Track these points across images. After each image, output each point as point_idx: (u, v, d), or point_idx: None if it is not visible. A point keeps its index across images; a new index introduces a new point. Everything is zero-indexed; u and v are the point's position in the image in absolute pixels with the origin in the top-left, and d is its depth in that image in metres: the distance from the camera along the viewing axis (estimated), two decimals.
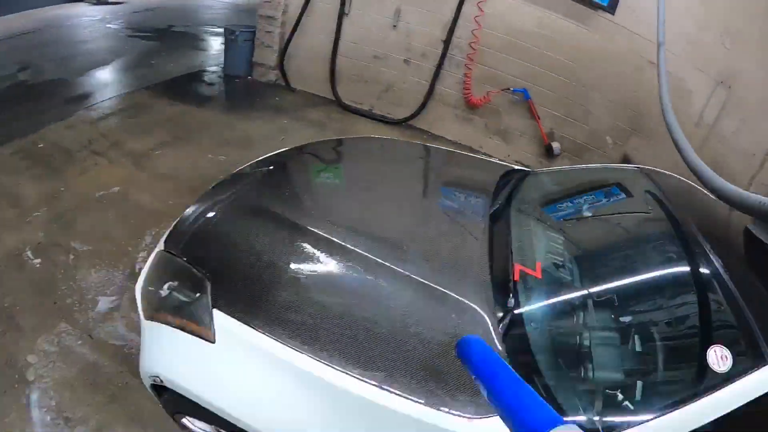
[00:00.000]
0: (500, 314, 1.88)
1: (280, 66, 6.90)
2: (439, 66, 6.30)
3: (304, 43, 6.74)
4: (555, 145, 6.23)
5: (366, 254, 2.07)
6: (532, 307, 1.98)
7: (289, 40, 6.69)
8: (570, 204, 2.70)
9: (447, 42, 6.15)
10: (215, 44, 8.83)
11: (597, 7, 5.61)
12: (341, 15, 6.40)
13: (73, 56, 6.99)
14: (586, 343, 1.80)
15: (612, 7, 5.59)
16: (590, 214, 2.51)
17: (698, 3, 5.37)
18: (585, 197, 2.69)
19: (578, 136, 6.25)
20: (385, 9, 6.29)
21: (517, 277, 2.02)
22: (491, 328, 1.82)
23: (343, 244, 2.11)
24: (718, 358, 1.50)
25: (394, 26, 6.31)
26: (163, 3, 11.20)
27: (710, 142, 5.42)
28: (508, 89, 6.13)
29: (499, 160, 4.85)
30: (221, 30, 7.79)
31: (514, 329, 1.83)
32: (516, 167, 3.49)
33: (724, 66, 5.35)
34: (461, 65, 6.24)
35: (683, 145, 3.25)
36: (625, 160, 6.03)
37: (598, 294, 1.98)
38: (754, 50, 5.08)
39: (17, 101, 5.34)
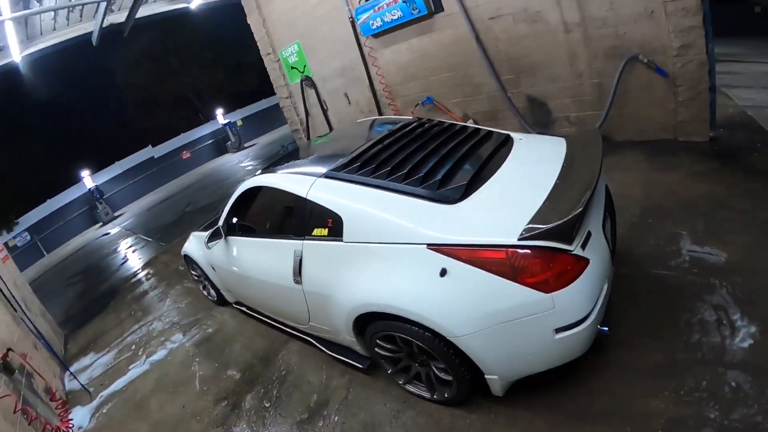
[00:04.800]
0: None
1: None
2: (380, 112, 8.73)
3: (317, 130, 10.31)
4: (468, 122, 7.49)
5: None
6: None
7: (308, 134, 10.45)
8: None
9: (375, 96, 8.52)
10: None
11: (431, 14, 7.21)
12: (325, 111, 9.83)
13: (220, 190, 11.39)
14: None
15: (438, 8, 7.14)
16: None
17: None
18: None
19: (483, 106, 7.44)
20: (340, 96, 9.28)
21: None
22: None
23: None
24: None
25: (349, 103, 9.09)
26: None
27: (599, 32, 5.92)
28: (419, 104, 7.91)
29: None
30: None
31: None
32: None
33: None
34: (388, 105, 8.36)
35: None
36: (530, 97, 6.92)
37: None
38: None
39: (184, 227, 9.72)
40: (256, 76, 21.62)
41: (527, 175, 2.97)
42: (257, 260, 3.90)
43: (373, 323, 2.99)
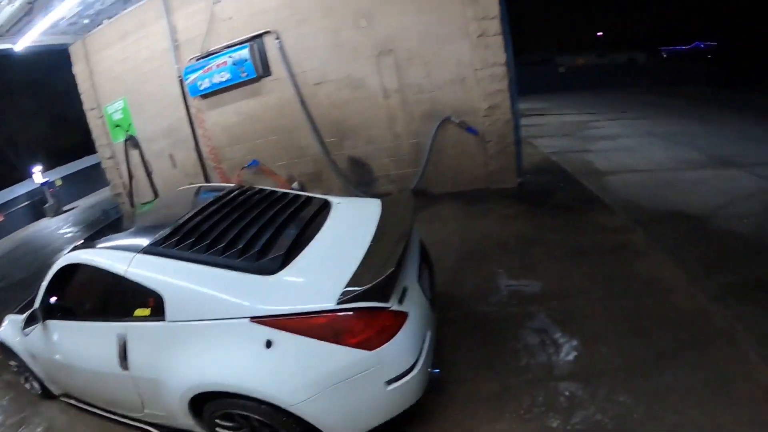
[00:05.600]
0: None
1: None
2: (205, 175, 8.33)
3: (141, 195, 9.50)
4: (294, 185, 7.54)
5: None
6: None
7: (131, 198, 9.59)
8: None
9: (200, 158, 8.20)
10: None
11: (259, 78, 7.19)
12: (149, 174, 9.10)
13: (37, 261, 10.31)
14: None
15: (266, 72, 7.17)
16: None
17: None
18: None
19: (308, 168, 7.50)
20: (165, 158, 8.76)
21: None
22: None
23: None
24: None
25: (174, 166, 8.61)
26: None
27: (416, 97, 6.47)
28: (245, 167, 7.75)
29: None
30: None
31: None
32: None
33: (376, 41, 6.47)
34: (213, 168, 8.12)
35: None
36: (352, 158, 7.13)
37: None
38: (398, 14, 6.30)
39: None
40: (81, 130, 19.68)
41: (344, 239, 3.12)
42: (80, 346, 3.52)
43: (209, 403, 2.84)
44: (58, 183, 20.05)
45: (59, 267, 3.64)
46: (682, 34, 33.58)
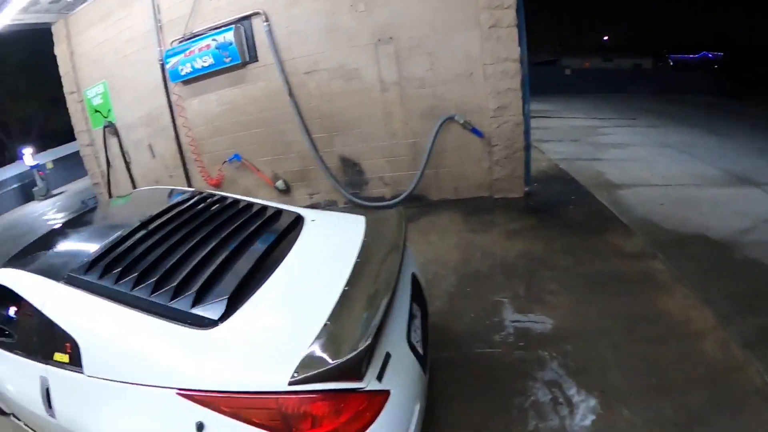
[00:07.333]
0: None
1: None
2: (185, 168, 7.68)
3: (120, 185, 8.91)
4: (278, 183, 6.93)
5: None
6: None
7: (109, 189, 9.05)
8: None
9: (180, 150, 7.56)
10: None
11: (244, 64, 6.56)
12: (128, 163, 8.46)
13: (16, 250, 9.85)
14: None
15: (252, 58, 6.53)
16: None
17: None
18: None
19: (294, 165, 6.86)
20: (144, 148, 8.10)
21: None
22: None
23: None
24: None
25: (153, 157, 7.97)
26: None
27: (417, 91, 5.81)
28: (226, 161, 7.14)
29: None
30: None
31: None
32: None
33: (375, 27, 5.81)
34: (194, 161, 7.49)
35: None
36: (343, 157, 6.51)
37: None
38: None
39: None
40: None
41: (313, 274, 2.45)
42: (12, 379, 2.97)
43: None
44: (50, 166, 19.42)
45: None
46: (690, 44, 33.23)
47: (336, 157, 6.54)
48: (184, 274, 2.32)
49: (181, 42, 6.81)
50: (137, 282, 2.30)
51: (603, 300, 3.58)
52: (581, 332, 3.23)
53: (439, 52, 5.56)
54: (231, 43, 6.33)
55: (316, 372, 1.74)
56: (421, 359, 2.34)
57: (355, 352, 1.74)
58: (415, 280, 2.71)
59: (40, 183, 17.98)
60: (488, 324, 3.50)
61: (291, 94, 6.37)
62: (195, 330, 2.06)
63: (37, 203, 17.09)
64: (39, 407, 2.59)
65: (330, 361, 1.77)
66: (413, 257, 2.97)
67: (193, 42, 6.63)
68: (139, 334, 2.14)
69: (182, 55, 6.76)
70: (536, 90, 5.83)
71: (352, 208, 6.53)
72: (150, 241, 2.67)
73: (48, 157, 20.20)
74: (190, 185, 7.77)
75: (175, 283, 2.25)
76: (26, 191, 18.86)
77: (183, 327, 2.07)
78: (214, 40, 6.43)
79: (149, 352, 2.07)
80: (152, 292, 2.24)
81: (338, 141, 6.43)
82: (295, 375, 1.74)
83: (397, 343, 2.16)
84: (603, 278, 3.87)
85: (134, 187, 8.53)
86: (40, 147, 20.90)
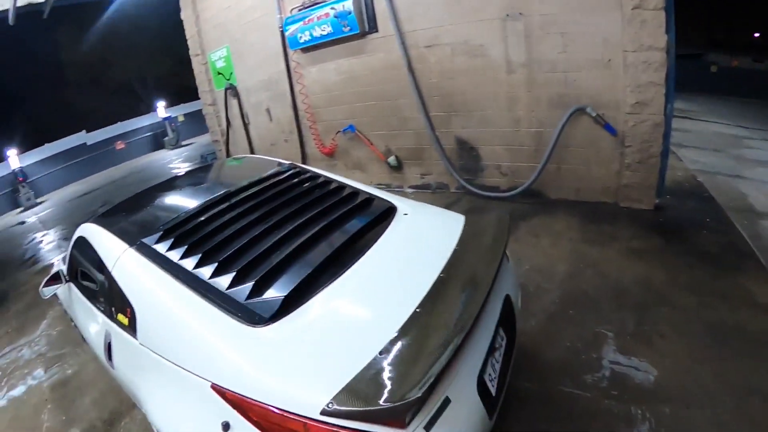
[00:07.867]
0: None
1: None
2: (300, 134, 7.78)
3: (237, 144, 9.30)
4: (390, 159, 6.77)
5: None
6: None
7: (227, 147, 9.44)
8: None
9: (296, 116, 7.65)
10: None
11: (363, 34, 6.43)
12: (246, 125, 8.86)
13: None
14: None
15: (372, 28, 6.36)
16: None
17: None
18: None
19: (408, 142, 6.65)
20: (262, 111, 8.34)
21: None
22: None
23: None
24: None
25: (271, 120, 8.16)
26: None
27: (546, 76, 5.25)
28: (340, 131, 7.10)
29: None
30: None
31: None
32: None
33: (503, 0, 5.27)
34: (309, 128, 7.53)
35: None
36: (459, 140, 6.20)
37: None
38: None
39: None
40: None
41: (382, 287, 2.15)
42: (86, 323, 3.13)
43: None
44: (181, 119, 21.29)
45: (76, 237, 3.24)
46: None
47: (452, 139, 6.22)
48: (248, 260, 2.21)
49: (300, 9, 6.81)
50: (201, 261, 2.24)
51: (720, 359, 2.96)
52: (686, 395, 2.70)
53: (574, 33, 4.92)
54: (350, 12, 6.20)
55: (352, 409, 1.53)
56: (491, 402, 1.99)
57: (402, 402, 1.48)
58: (507, 303, 2.35)
59: (170, 133, 19.90)
60: (583, 359, 3.07)
61: (410, 68, 6.11)
62: (243, 325, 1.92)
63: (166, 151, 18.49)
64: (103, 356, 2.71)
65: (372, 400, 1.53)
66: (512, 274, 2.63)
67: (313, 10, 6.60)
68: (188, 317, 2.06)
69: (301, 22, 6.77)
70: (677, 85, 5.00)
71: (463, 194, 6.25)
72: (226, 217, 2.62)
73: (179, 111, 21.94)
74: (303, 151, 7.93)
75: (236, 270, 2.13)
76: (158, 140, 20.95)
77: (232, 319, 1.95)
78: (333, 8, 6.34)
79: (193, 339, 1.99)
80: (212, 275, 2.15)
81: (456, 122, 6.09)
82: (330, 405, 1.53)
83: (463, 384, 1.84)
84: (726, 331, 3.20)
85: (251, 146, 8.86)
86: (170, 102, 22.60)
